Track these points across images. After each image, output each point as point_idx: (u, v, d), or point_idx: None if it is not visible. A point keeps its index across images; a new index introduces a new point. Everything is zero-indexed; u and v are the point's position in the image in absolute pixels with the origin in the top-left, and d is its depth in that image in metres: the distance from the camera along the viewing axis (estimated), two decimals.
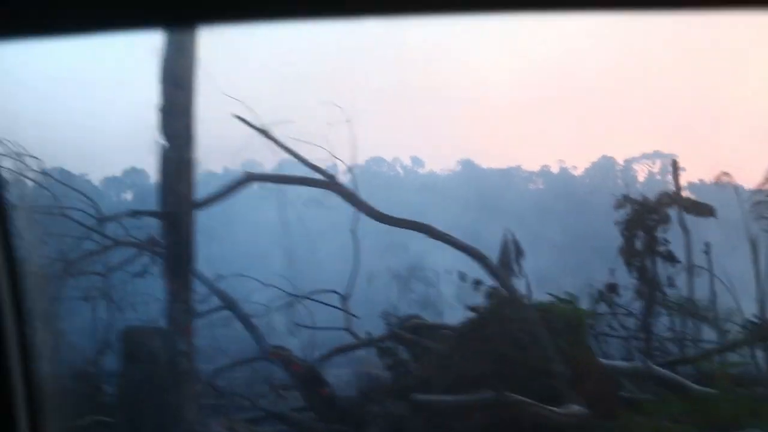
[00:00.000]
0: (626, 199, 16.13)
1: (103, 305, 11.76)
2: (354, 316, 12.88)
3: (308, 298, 13.11)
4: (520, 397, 8.16)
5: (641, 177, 50.75)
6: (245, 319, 12.55)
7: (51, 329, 11.24)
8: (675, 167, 17.93)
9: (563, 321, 9.70)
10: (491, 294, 10.40)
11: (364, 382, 10.75)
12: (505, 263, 18.58)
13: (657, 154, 50.17)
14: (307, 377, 9.57)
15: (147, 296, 12.33)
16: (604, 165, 49.66)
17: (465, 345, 9.82)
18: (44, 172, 11.59)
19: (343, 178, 13.72)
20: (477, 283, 10.85)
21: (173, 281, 8.72)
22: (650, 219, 15.62)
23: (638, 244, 15.29)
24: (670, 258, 15.40)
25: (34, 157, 11.44)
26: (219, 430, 8.74)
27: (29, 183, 11.76)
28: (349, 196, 8.86)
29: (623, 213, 15.69)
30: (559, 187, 46.53)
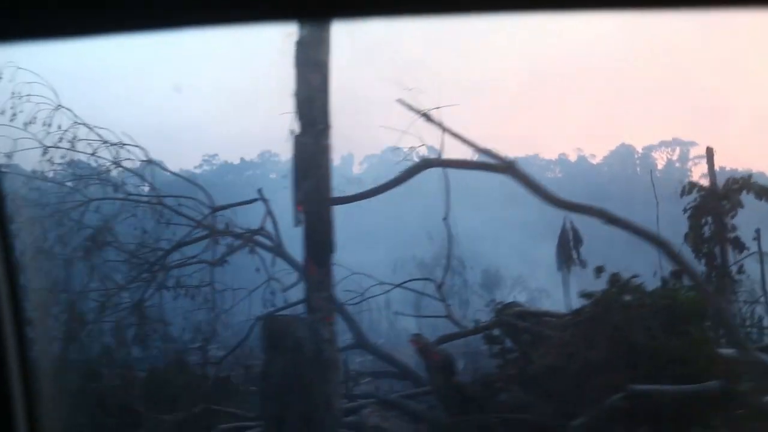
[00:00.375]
0: (692, 185, 16.03)
1: (208, 294, 11.66)
2: (448, 303, 12.84)
3: (401, 286, 13.08)
4: (745, 388, 8.11)
5: (660, 164, 50.47)
6: (341, 309, 12.49)
7: (149, 318, 11.18)
8: (710, 155, 17.91)
9: (687, 308, 9.65)
10: (612, 280, 10.31)
11: (478, 370, 10.72)
12: (564, 251, 18.48)
13: (676, 142, 49.63)
14: (443, 366, 9.52)
15: (247, 285, 12.29)
16: (623, 153, 49.51)
17: (586, 332, 9.77)
18: (150, 161, 11.49)
19: None
20: (598, 270, 10.77)
21: (314, 270, 8.62)
22: (720, 205, 15.52)
23: (706, 231, 15.20)
24: (738, 245, 15.33)
25: (138, 146, 11.38)
26: (370, 420, 8.67)
27: (129, 172, 11.67)
28: (527, 181, 8.78)
29: (690, 199, 15.56)
30: (578, 175, 46.52)
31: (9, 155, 11.15)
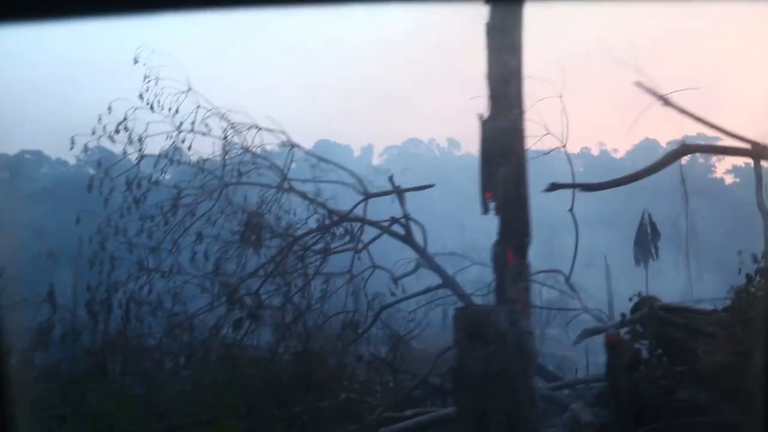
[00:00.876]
0: None
1: (346, 282, 11.34)
2: (576, 297, 12.59)
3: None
4: None
5: (684, 159, 50.58)
6: (465, 299, 12.23)
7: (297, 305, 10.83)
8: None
9: None
10: None
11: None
12: (643, 245, 18.16)
13: (700, 137, 50.07)
14: (632, 363, 9.26)
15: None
16: (647, 147, 49.60)
17: (758, 330, 9.50)
18: (292, 145, 11.15)
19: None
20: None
21: (512, 259, 8.30)
22: None
23: None
24: None
25: (281, 131, 11.05)
26: (582, 416, 8.37)
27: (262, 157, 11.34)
28: None
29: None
30: (600, 170, 46.46)
31: (141, 139, 10.84)
